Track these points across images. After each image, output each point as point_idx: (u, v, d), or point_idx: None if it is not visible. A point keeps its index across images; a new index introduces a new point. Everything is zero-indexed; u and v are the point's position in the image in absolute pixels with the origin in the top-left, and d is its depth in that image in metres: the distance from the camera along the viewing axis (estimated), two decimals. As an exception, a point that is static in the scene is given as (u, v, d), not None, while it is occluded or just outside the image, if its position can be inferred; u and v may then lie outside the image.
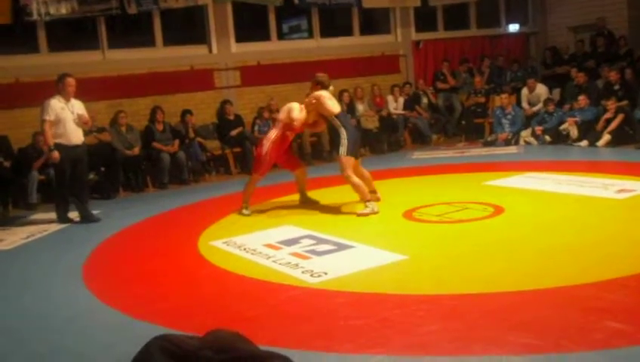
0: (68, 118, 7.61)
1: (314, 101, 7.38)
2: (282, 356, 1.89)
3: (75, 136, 7.73)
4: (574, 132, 10.78)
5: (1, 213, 8.83)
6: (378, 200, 7.39)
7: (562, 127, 11.02)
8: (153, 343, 1.81)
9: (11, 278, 5.84)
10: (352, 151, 7.19)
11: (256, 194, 7.71)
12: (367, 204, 7.04)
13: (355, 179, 7.11)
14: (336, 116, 7.31)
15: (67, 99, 7.66)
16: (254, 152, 8.04)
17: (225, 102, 11.20)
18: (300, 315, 4.30)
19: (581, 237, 5.61)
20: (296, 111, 7.43)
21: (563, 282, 4.45)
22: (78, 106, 7.77)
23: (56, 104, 7.56)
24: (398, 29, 13.56)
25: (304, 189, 7.84)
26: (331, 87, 7.70)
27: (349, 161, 7.12)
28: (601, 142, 10.33)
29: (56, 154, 7.52)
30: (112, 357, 3.80)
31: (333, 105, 7.38)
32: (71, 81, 7.66)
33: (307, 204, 7.74)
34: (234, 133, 10.95)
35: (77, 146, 7.74)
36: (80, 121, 7.71)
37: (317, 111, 7.46)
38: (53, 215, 8.32)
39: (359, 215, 6.99)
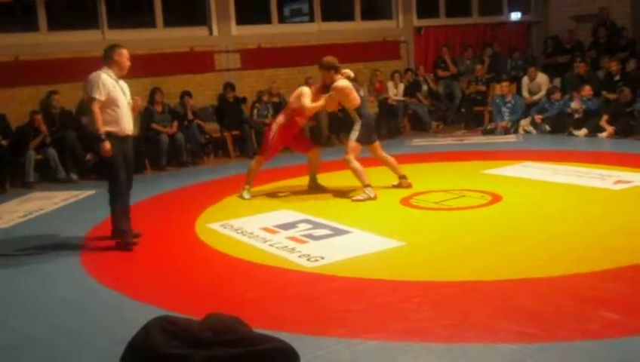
0: (121, 100, 5.81)
1: (336, 97, 7.18)
2: (279, 339, 1.90)
3: (129, 123, 5.91)
4: (580, 113, 10.72)
5: (-1, 192, 8.75)
6: (409, 185, 7.40)
7: (572, 105, 10.90)
8: (153, 323, 1.82)
9: (8, 257, 5.84)
10: (364, 139, 7.20)
11: (256, 177, 7.70)
12: (365, 189, 7.03)
13: (355, 164, 7.09)
14: (357, 109, 7.20)
15: (118, 77, 5.89)
16: (263, 135, 7.93)
17: (228, 85, 11.12)
18: (295, 299, 4.31)
19: (577, 227, 5.61)
20: (308, 98, 7.23)
21: (558, 271, 4.46)
22: (126, 88, 6.01)
23: (107, 80, 5.73)
24: (399, 14, 13.49)
25: (315, 174, 7.73)
26: (348, 71, 7.38)
27: (355, 147, 7.13)
28: (604, 134, 10.31)
29: (107, 145, 5.66)
30: (109, 337, 3.81)
31: (355, 99, 7.20)
32: (125, 52, 5.88)
33: (315, 190, 7.64)
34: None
35: (129, 137, 5.97)
36: (132, 107, 6.00)
37: (338, 101, 7.29)
38: (50, 193, 8.31)
39: (354, 200, 7.01)
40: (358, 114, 7.21)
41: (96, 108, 5.66)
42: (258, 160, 7.63)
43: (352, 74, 7.38)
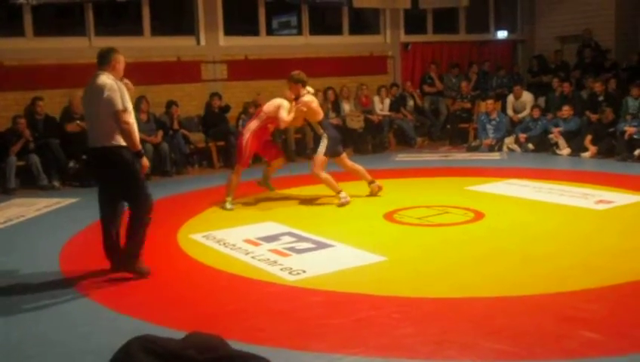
0: (131, 109, 5.15)
1: (304, 109, 7.51)
2: (262, 357, 1.88)
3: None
4: (562, 143, 10.84)
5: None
6: (380, 188, 7.85)
7: (551, 135, 11.06)
8: (134, 343, 1.79)
9: (-14, 263, 5.76)
10: (330, 152, 7.58)
11: (239, 188, 7.68)
12: (340, 195, 7.44)
13: (323, 175, 7.51)
14: (320, 122, 7.64)
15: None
16: (237, 144, 8.04)
17: (215, 94, 11.11)
18: (276, 312, 4.29)
19: (558, 246, 5.64)
20: (286, 111, 7.46)
21: (539, 290, 4.47)
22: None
23: (122, 87, 5.10)
24: (387, 30, 13.58)
25: (269, 175, 7.97)
26: (309, 88, 7.75)
27: (321, 161, 7.53)
28: (587, 154, 10.40)
29: (146, 161, 5.23)
30: (89, 346, 3.77)
31: (320, 112, 7.69)
32: (123, 59, 5.32)
33: (262, 186, 7.96)
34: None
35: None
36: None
37: (303, 115, 7.64)
38: (31, 200, 8.24)
39: (340, 205, 7.37)
40: (324, 130, 7.61)
41: (130, 120, 5.01)
42: (237, 169, 7.64)
43: (312, 90, 7.82)
